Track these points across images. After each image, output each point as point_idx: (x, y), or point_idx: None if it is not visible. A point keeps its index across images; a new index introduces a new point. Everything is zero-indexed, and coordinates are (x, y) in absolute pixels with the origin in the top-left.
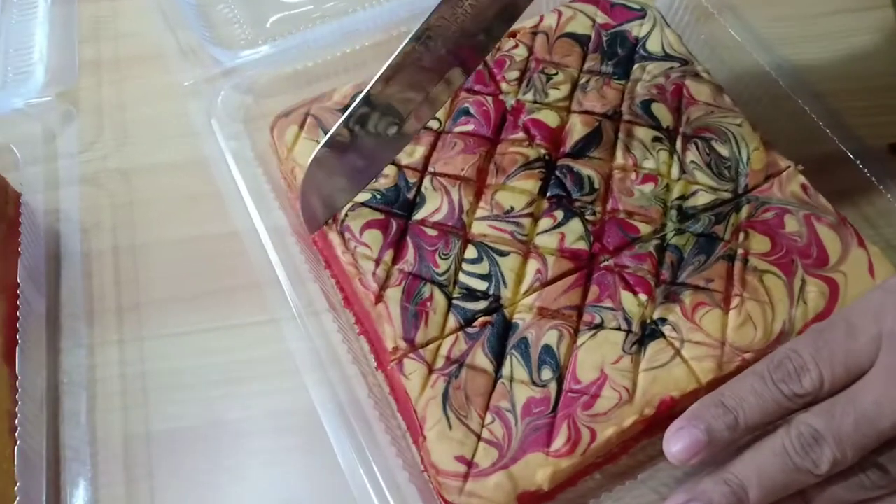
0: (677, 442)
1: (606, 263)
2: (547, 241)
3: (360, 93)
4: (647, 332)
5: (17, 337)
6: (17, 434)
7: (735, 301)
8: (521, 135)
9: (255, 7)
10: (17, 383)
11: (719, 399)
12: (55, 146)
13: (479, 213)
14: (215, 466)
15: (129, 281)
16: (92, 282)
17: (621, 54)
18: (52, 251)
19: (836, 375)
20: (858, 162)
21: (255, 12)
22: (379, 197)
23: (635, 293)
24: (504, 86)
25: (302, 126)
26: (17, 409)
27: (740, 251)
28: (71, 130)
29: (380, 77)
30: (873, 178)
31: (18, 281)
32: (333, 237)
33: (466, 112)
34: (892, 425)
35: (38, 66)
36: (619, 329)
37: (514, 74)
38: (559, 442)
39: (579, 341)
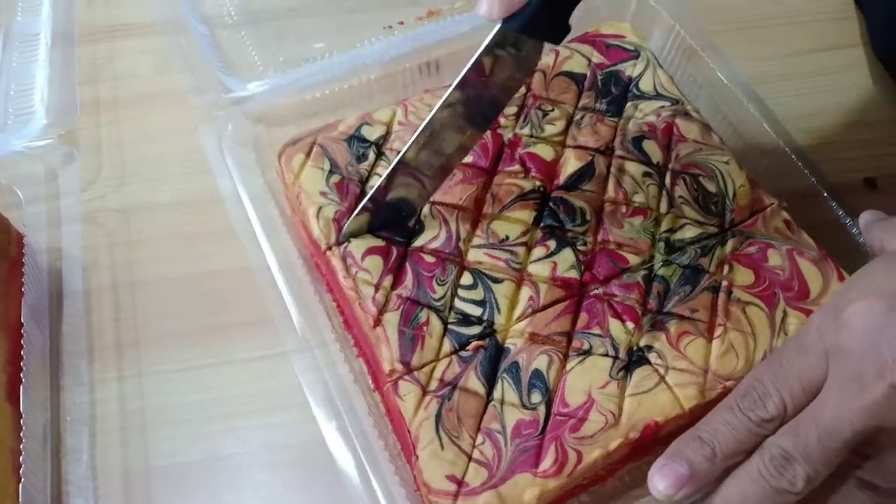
0: (662, 479)
1: (596, 292)
2: (540, 270)
3: (365, 122)
4: (634, 359)
5: (21, 375)
6: (21, 472)
7: (718, 331)
8: (517, 167)
9: (266, 40)
10: (21, 421)
11: (696, 434)
12: (57, 185)
13: (476, 241)
14: (215, 500)
15: (127, 318)
16: (91, 318)
17: (615, 93)
18: (54, 289)
19: (795, 396)
20: (834, 197)
21: (266, 45)
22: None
23: (623, 321)
24: (502, 120)
25: (308, 154)
26: (21, 446)
27: (724, 283)
28: (72, 170)
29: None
30: (846, 213)
31: (22, 320)
32: (336, 262)
33: None
34: (854, 434)
35: (39, 108)
36: (606, 355)
37: (513, 110)
38: (547, 463)
39: (568, 366)
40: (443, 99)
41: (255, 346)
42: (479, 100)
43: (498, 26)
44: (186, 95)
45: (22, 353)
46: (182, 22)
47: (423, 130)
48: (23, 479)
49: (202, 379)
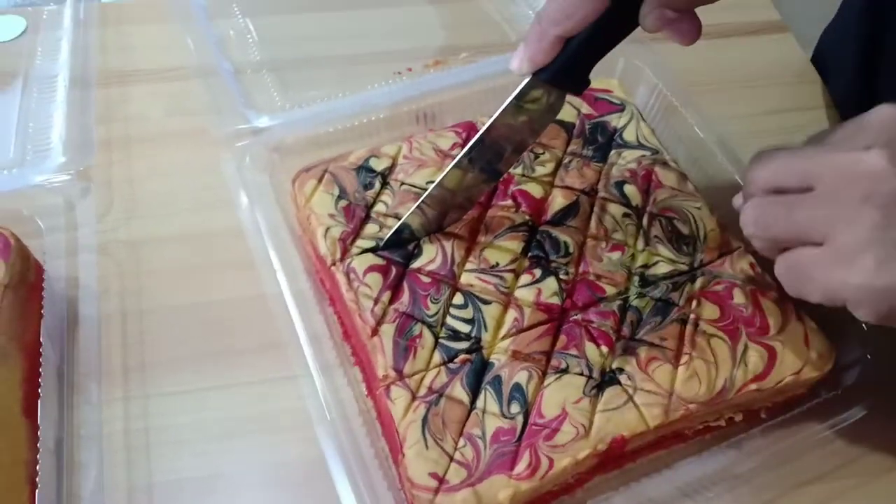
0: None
1: (575, 317)
2: (525, 295)
3: (373, 155)
4: (606, 379)
5: (39, 391)
6: (36, 480)
7: (684, 358)
8: (509, 202)
9: (286, 81)
10: (38, 433)
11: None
12: (74, 217)
13: (468, 265)
14: None
15: (135, 343)
16: (101, 343)
17: (601, 141)
18: (70, 314)
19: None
20: None
21: (285, 85)
22: (383, 245)
23: (598, 345)
24: None
25: (320, 180)
26: (37, 457)
27: (692, 316)
28: (87, 203)
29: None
30: None
31: (41, 340)
32: (340, 276)
33: None
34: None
35: (57, 146)
36: (581, 374)
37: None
38: (521, 467)
39: (546, 382)
40: (475, 139)
41: (255, 371)
42: (502, 146)
43: (528, 79)
44: (193, 136)
45: (39, 371)
46: (210, 64)
47: (454, 165)
48: (37, 490)
49: (204, 401)
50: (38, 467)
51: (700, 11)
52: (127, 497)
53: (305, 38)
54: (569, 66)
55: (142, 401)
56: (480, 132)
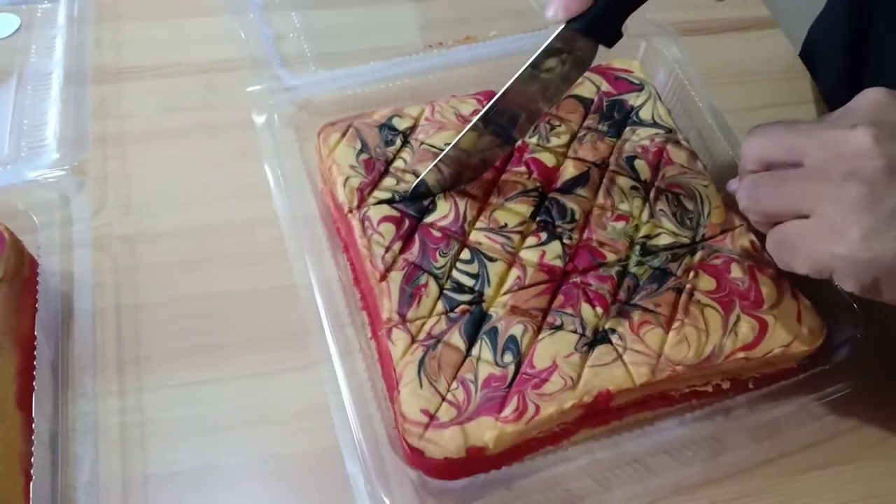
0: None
1: (574, 280)
2: (530, 255)
3: (396, 115)
4: (598, 338)
5: (34, 385)
6: (31, 472)
7: (676, 324)
8: (522, 169)
9: (319, 45)
10: (32, 426)
11: None
12: (69, 212)
13: (479, 224)
14: None
15: (130, 337)
16: (96, 337)
17: (617, 118)
18: (64, 308)
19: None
20: None
21: (319, 49)
22: (398, 198)
23: (593, 306)
24: None
25: (344, 134)
26: (32, 448)
27: (688, 286)
28: (82, 198)
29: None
30: None
31: (35, 334)
32: (355, 223)
33: None
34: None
35: (51, 142)
36: (574, 332)
37: None
38: (508, 411)
39: (540, 336)
40: (504, 88)
41: (249, 364)
42: (532, 98)
43: (562, 26)
44: (188, 132)
45: (34, 364)
46: (250, 20)
47: (483, 113)
48: (32, 482)
49: (198, 394)
50: (32, 459)
51: (689, 7)
52: (122, 489)
53: (344, 27)
54: (603, 16)
55: (136, 394)
56: (512, 79)
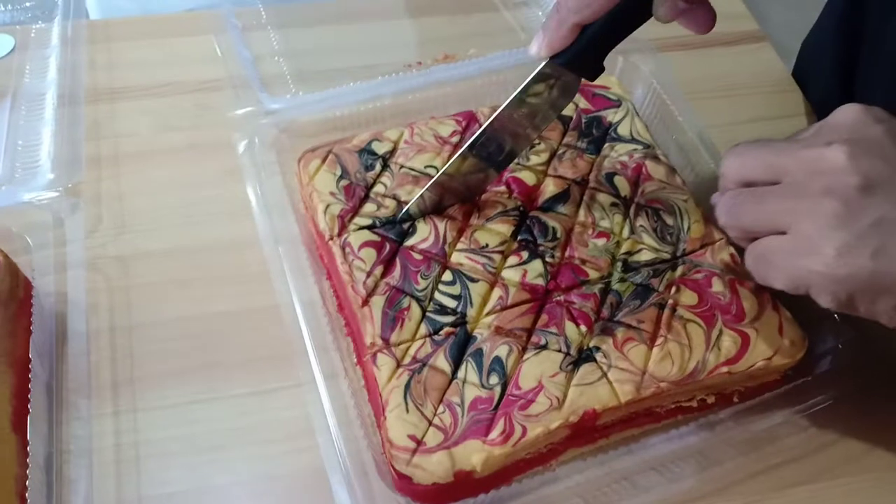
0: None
1: (558, 298)
2: (511, 275)
3: (376, 139)
4: (583, 356)
5: (29, 407)
6: (26, 495)
7: (659, 340)
8: (503, 188)
9: (299, 65)
10: (27, 448)
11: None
12: (63, 233)
13: (460, 245)
14: None
15: (124, 358)
16: (90, 358)
17: (595, 134)
18: (59, 329)
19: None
20: None
21: (299, 69)
22: (379, 224)
23: (577, 324)
24: None
25: (324, 160)
26: (27, 472)
27: (671, 301)
28: (76, 219)
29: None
30: None
31: (30, 356)
32: (336, 250)
33: None
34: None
35: (46, 163)
36: (559, 351)
37: None
38: (495, 433)
39: (525, 356)
40: (489, 120)
41: (244, 383)
42: (520, 124)
43: (545, 62)
44: (182, 152)
45: (29, 386)
46: (231, 50)
47: (469, 144)
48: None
49: (192, 414)
50: (27, 483)
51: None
52: None
53: (324, 47)
54: (585, 52)
55: (131, 415)
56: (500, 108)
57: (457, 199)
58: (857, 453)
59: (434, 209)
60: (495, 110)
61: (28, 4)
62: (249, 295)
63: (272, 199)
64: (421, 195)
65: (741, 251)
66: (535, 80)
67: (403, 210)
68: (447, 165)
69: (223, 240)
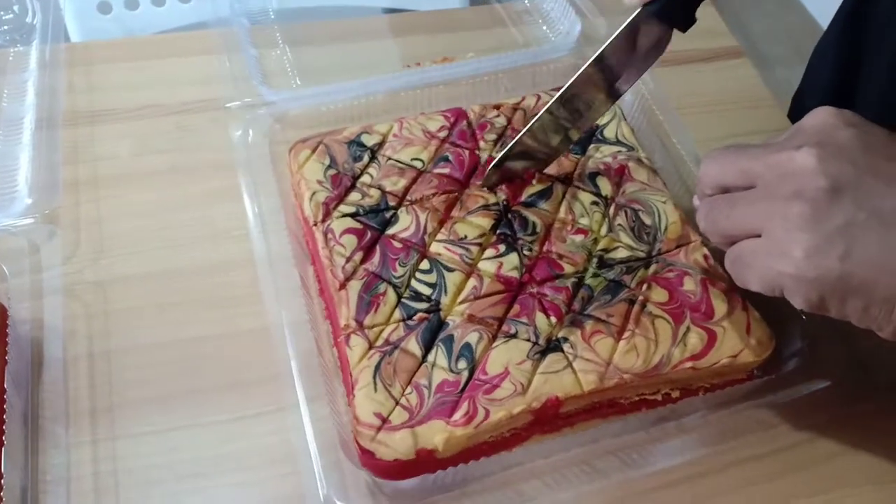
0: None
1: (531, 290)
2: (488, 267)
3: (365, 131)
4: (550, 346)
5: (3, 439)
6: None
7: (627, 334)
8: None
9: (297, 61)
10: (1, 480)
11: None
12: (39, 260)
13: (439, 236)
14: None
15: (103, 385)
16: (67, 385)
17: (582, 136)
18: (35, 357)
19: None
20: None
21: (298, 64)
22: (362, 212)
23: (548, 316)
24: (482, 143)
25: (314, 150)
26: (2, 502)
27: (641, 298)
28: (53, 246)
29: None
30: None
31: (4, 386)
32: (319, 235)
33: (446, 159)
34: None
35: (23, 189)
36: (528, 340)
37: (492, 136)
38: (459, 415)
39: (494, 344)
40: (578, 72)
41: (224, 409)
42: (597, 86)
43: (639, 9)
44: (161, 175)
45: (4, 417)
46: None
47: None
48: None
49: (173, 441)
50: None
51: None
52: None
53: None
54: (677, 1)
55: (110, 443)
56: (589, 60)
57: (534, 162)
58: (823, 455)
59: (511, 173)
60: (484, 108)
61: (5, 28)
62: (230, 319)
63: (266, 198)
64: (505, 153)
65: (716, 254)
66: (627, 30)
67: (492, 163)
68: (533, 121)
69: (203, 263)
